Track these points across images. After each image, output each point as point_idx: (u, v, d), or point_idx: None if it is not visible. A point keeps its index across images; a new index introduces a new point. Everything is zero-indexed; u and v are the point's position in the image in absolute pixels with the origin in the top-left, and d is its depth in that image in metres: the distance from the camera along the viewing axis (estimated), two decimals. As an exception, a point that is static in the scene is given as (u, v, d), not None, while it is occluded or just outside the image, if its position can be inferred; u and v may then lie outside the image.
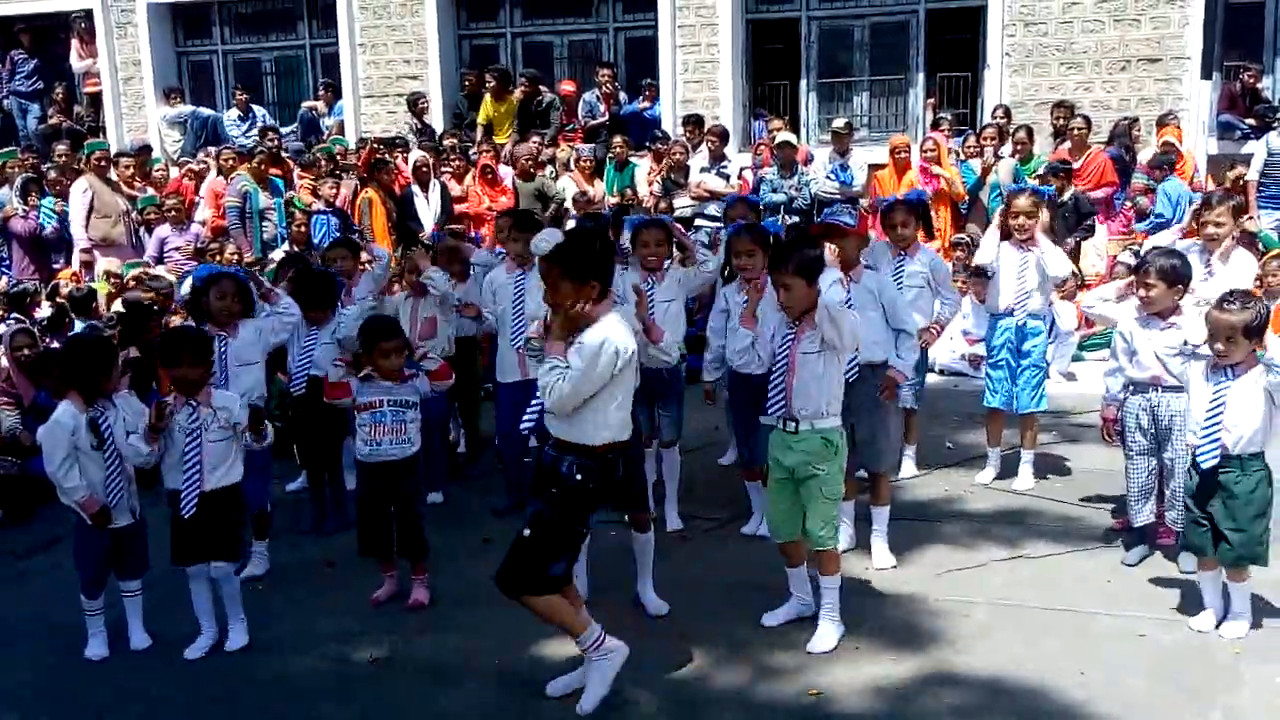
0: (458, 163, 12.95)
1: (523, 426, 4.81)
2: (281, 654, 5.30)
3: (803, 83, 14.86)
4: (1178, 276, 5.61)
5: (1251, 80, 13.06)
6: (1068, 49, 13.50)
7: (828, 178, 12.24)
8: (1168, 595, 5.50)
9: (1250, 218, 10.95)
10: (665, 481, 6.59)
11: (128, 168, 13.18)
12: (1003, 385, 7.10)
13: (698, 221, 12.38)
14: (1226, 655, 4.91)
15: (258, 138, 14.17)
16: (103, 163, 12.53)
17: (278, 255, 10.90)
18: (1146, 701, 4.55)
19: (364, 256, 8.11)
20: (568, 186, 12.78)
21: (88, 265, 11.94)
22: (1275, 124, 11.83)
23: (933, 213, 11.09)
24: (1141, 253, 6.97)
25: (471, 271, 7.68)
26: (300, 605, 5.85)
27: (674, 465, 6.62)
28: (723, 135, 12.83)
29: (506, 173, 12.87)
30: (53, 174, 12.99)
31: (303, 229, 11.16)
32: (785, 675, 4.88)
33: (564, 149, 13.67)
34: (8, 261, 12.67)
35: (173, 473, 5.23)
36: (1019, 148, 12.02)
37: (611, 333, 4.37)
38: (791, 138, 12.54)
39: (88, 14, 16.94)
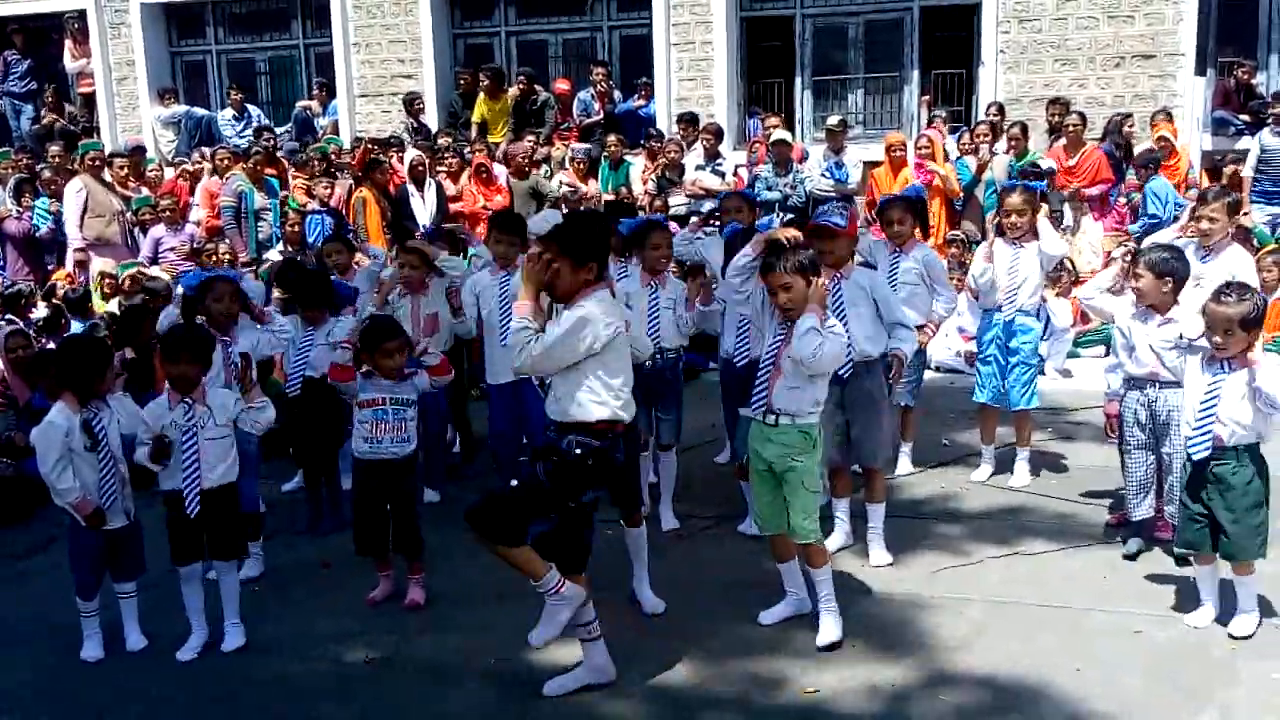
0: (453, 162, 12.95)
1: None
2: (279, 654, 5.30)
3: (798, 80, 14.86)
4: (1165, 269, 5.58)
5: (1245, 76, 13.07)
6: (1062, 45, 13.51)
7: (822, 175, 12.25)
8: (1163, 592, 5.50)
9: (1246, 213, 10.98)
10: (660, 483, 6.59)
11: (122, 168, 13.17)
12: (991, 380, 7.12)
13: (693, 220, 12.38)
14: (1223, 652, 4.91)
15: (253, 138, 14.18)
16: (97, 163, 12.51)
17: (273, 255, 10.89)
18: (1142, 698, 4.55)
19: (357, 255, 8.11)
20: (561, 185, 12.78)
21: (82, 265, 11.94)
22: (1269, 120, 11.84)
23: (928, 210, 11.15)
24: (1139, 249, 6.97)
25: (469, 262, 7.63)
26: (297, 606, 5.85)
27: (670, 467, 6.63)
28: (717, 133, 12.85)
29: (501, 171, 12.87)
30: (47, 174, 12.99)
31: (297, 229, 11.16)
32: (781, 674, 4.87)
33: (559, 148, 13.66)
34: (2, 263, 12.67)
35: (170, 474, 5.22)
36: (1013, 144, 12.03)
37: (595, 309, 4.39)
38: (786, 135, 12.55)
39: (81, 14, 16.91)
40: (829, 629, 5.09)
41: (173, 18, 17.21)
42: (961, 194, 11.95)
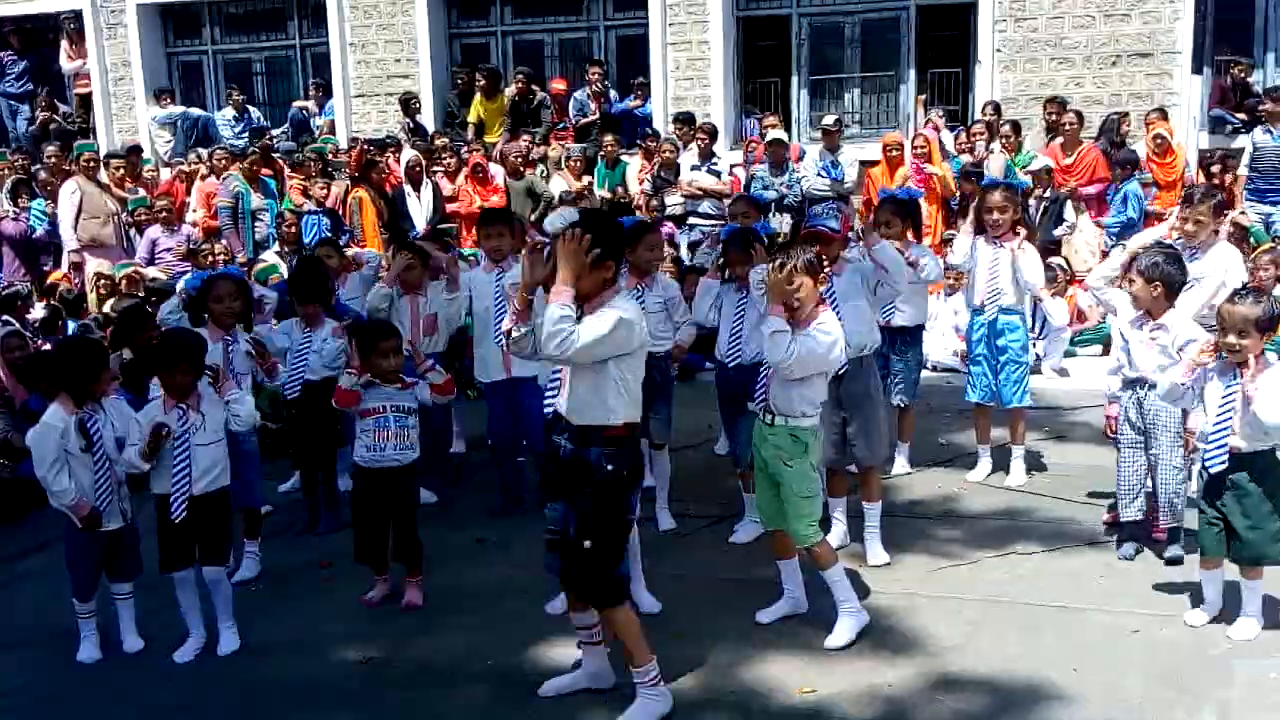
0: (450, 161, 12.95)
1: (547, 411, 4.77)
2: (276, 656, 5.29)
3: (794, 80, 14.85)
4: (1155, 274, 5.55)
5: (1242, 74, 13.08)
6: (1058, 44, 13.51)
7: (818, 175, 12.25)
8: (1160, 592, 5.49)
9: (1242, 212, 10.99)
10: (656, 484, 6.59)
11: (118, 169, 13.16)
12: (982, 380, 7.12)
13: (691, 220, 12.41)
14: (1220, 651, 4.90)
15: (249, 138, 14.18)
16: (91, 164, 12.50)
17: (270, 256, 10.89)
18: (1140, 698, 4.55)
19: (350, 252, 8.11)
20: (558, 185, 12.79)
21: (77, 267, 11.93)
22: (1262, 118, 11.85)
23: (926, 209, 11.14)
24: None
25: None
26: (294, 607, 5.85)
27: (664, 467, 6.62)
28: (712, 133, 12.85)
29: (498, 171, 12.87)
30: (42, 176, 12.98)
31: (293, 229, 11.15)
32: (778, 673, 4.87)
33: (555, 148, 13.66)
34: (-1, 264, 12.65)
35: (160, 477, 5.21)
36: (1004, 143, 12.04)
37: (632, 312, 4.26)
38: (783, 135, 12.55)
39: (77, 15, 16.87)
40: (841, 632, 5.07)
41: (169, 18, 17.18)
42: (957, 194, 11.94)
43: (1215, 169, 11.86)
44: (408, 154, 12.71)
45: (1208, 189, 6.79)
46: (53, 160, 13.30)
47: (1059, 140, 12.24)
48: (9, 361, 8.21)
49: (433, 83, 15.64)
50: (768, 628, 5.26)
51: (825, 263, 5.27)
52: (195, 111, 16.36)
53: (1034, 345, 9.63)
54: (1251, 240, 10.34)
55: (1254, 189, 11.66)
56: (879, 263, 5.87)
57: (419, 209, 12.09)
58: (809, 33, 14.78)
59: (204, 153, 14.18)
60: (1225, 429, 4.95)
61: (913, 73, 14.42)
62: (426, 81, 15.65)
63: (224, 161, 13.08)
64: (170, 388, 5.24)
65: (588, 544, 4.35)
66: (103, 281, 10.98)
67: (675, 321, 6.51)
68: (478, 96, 14.55)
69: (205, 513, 5.23)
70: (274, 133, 15.05)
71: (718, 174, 12.49)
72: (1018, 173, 11.55)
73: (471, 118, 14.59)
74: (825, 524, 5.50)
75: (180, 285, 8.04)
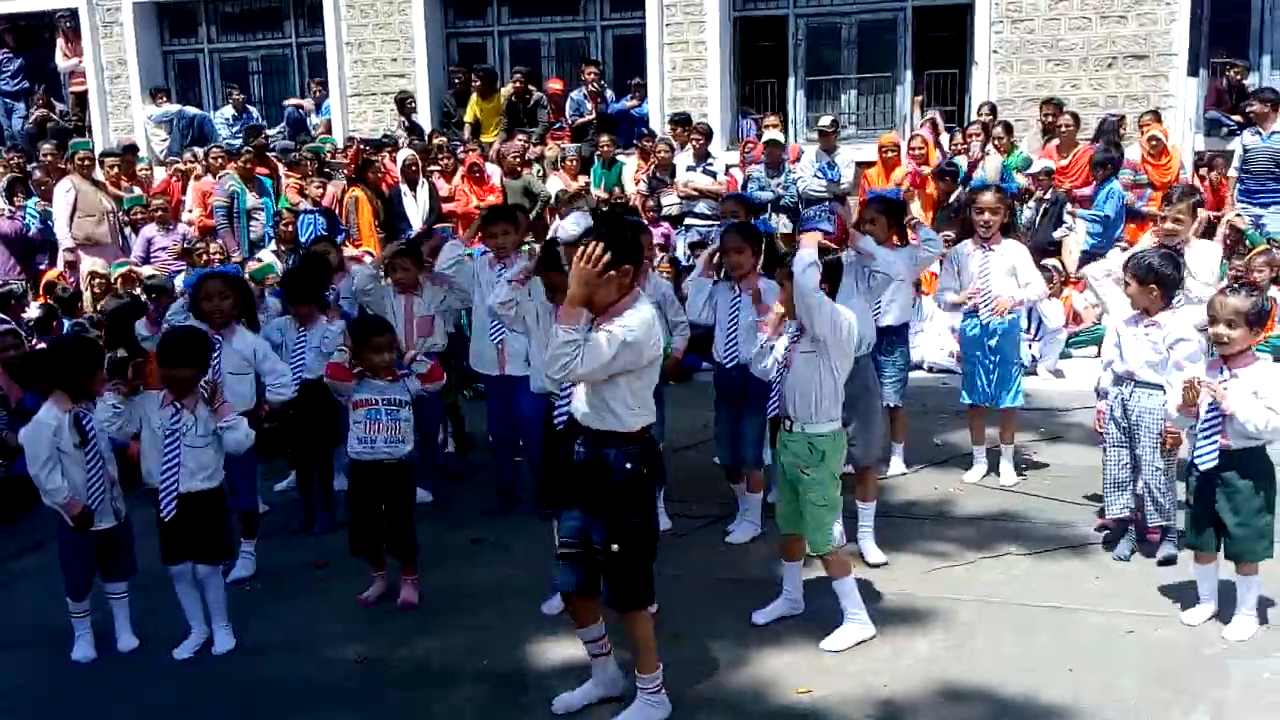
0: (446, 161, 12.94)
1: (557, 423, 4.72)
2: (272, 655, 5.29)
3: (790, 80, 14.87)
4: (1146, 276, 5.58)
5: (1238, 76, 13.10)
6: (1055, 46, 13.54)
7: (815, 176, 12.26)
8: (1155, 592, 5.51)
9: (1238, 214, 11.02)
10: (653, 484, 6.58)
11: (113, 167, 13.14)
12: (976, 381, 7.14)
13: (688, 220, 12.41)
14: (1214, 651, 4.92)
15: (244, 137, 14.16)
16: (86, 163, 12.48)
17: (266, 255, 10.89)
18: (1134, 698, 4.56)
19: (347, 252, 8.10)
20: (555, 185, 12.78)
21: (71, 265, 11.91)
22: (1251, 119, 11.87)
23: (922, 211, 11.17)
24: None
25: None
26: (290, 606, 5.84)
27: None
28: (707, 133, 12.85)
29: (494, 171, 12.87)
30: (37, 175, 12.95)
31: (290, 228, 11.14)
32: (774, 674, 4.88)
33: (551, 147, 13.67)
34: (-5, 262, 12.62)
35: (155, 473, 5.21)
36: (997, 144, 12.06)
37: (637, 324, 4.14)
38: (779, 136, 12.56)
39: (73, 13, 16.87)
40: (841, 637, 5.06)
41: (165, 16, 17.17)
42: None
43: (1203, 170, 11.91)
44: (404, 153, 12.70)
45: (1186, 188, 6.79)
46: (48, 159, 13.27)
47: (1055, 142, 12.25)
48: (3, 360, 8.20)
49: (429, 82, 15.65)
50: (765, 628, 5.27)
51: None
52: (191, 110, 16.34)
53: (1030, 347, 9.67)
54: (1247, 242, 10.38)
55: (1244, 190, 11.69)
56: (863, 251, 5.90)
57: (415, 209, 12.08)
58: (806, 33, 14.80)
59: (199, 152, 14.17)
60: (1215, 427, 4.97)
61: (909, 74, 14.45)
62: (423, 81, 15.65)
63: (219, 160, 13.07)
64: (168, 382, 5.23)
65: (615, 547, 4.31)
66: (97, 280, 10.96)
67: (670, 321, 6.50)
68: (474, 96, 14.56)
69: (199, 510, 5.21)
70: (269, 132, 15.03)
71: (713, 174, 12.50)
72: (1014, 175, 11.59)
73: (468, 117, 14.59)
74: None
75: (179, 285, 8.03)
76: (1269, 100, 11.63)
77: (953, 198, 11.19)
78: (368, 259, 7.15)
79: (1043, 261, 9.35)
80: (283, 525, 6.91)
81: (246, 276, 8.28)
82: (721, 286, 6.41)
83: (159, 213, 12.19)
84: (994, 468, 7.25)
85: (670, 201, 12.44)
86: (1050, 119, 12.51)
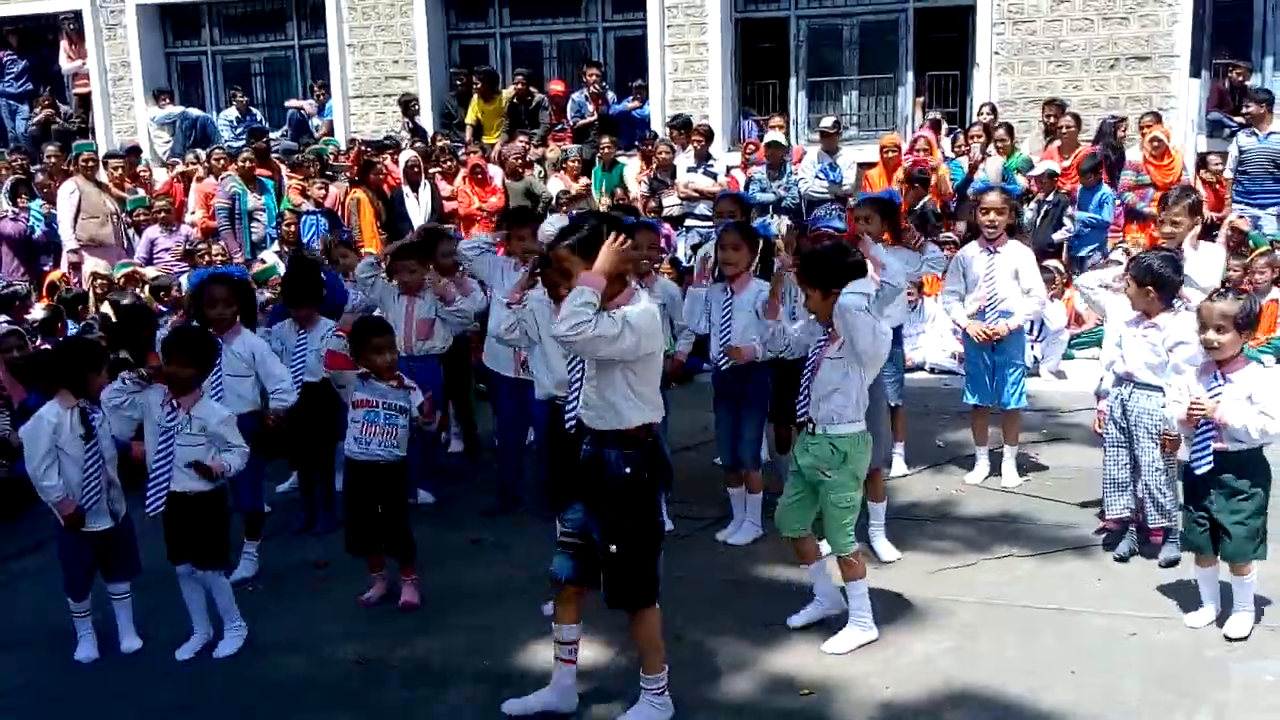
0: (448, 163, 12.95)
1: (567, 426, 4.74)
2: (274, 656, 5.29)
3: (792, 82, 14.87)
4: (1145, 278, 5.57)
5: (1240, 78, 13.09)
6: (1056, 47, 13.52)
7: (816, 177, 12.26)
8: (1157, 594, 5.50)
9: (1240, 216, 11.01)
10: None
11: (116, 169, 13.16)
12: (979, 382, 7.13)
13: (688, 222, 12.42)
14: (1217, 653, 4.91)
15: (246, 139, 14.18)
16: (90, 164, 12.49)
17: (268, 256, 10.90)
18: (1137, 700, 4.56)
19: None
20: (556, 187, 12.79)
21: (75, 267, 11.93)
22: (1248, 120, 11.87)
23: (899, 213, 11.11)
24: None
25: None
26: (291, 607, 5.85)
27: (660, 469, 6.60)
28: (707, 134, 12.85)
29: (496, 172, 12.87)
30: (41, 177, 12.97)
31: (293, 229, 11.16)
32: (776, 675, 4.88)
33: (553, 149, 13.67)
34: (-2, 263, 12.64)
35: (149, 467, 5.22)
36: (998, 145, 12.05)
37: (639, 317, 4.17)
38: (780, 137, 12.56)
39: (77, 15, 16.89)
40: (844, 640, 5.07)
41: (168, 19, 17.19)
42: (955, 195, 11.95)
43: (1200, 172, 11.90)
44: (406, 155, 12.71)
45: (1182, 190, 6.77)
46: (52, 160, 13.29)
47: (1056, 143, 12.25)
48: (7, 361, 8.20)
49: (431, 84, 15.66)
50: (766, 629, 5.25)
51: None
52: (194, 112, 16.36)
53: (1032, 348, 9.65)
54: (1250, 243, 10.37)
55: (1241, 190, 11.68)
56: (875, 260, 5.87)
57: (417, 210, 12.09)
58: (807, 35, 14.79)
59: (202, 153, 14.19)
60: (1210, 431, 4.96)
61: (911, 75, 14.44)
62: (425, 83, 15.66)
63: (222, 162, 13.08)
64: (170, 380, 5.22)
65: (613, 549, 4.33)
66: (100, 281, 10.97)
67: (676, 324, 6.49)
68: (475, 98, 14.56)
69: (195, 512, 5.18)
70: (273, 135, 15.05)
71: (714, 176, 12.50)
72: (1015, 176, 11.58)
73: (469, 119, 14.60)
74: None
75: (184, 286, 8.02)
76: (1264, 101, 11.63)
77: (919, 205, 11.13)
78: (368, 256, 7.13)
79: (1044, 263, 9.33)
80: (284, 525, 6.91)
81: (250, 278, 8.28)
82: (715, 289, 6.40)
83: (162, 214, 12.21)
84: (996, 469, 7.24)
85: (671, 203, 12.45)
86: (1052, 120, 12.50)
